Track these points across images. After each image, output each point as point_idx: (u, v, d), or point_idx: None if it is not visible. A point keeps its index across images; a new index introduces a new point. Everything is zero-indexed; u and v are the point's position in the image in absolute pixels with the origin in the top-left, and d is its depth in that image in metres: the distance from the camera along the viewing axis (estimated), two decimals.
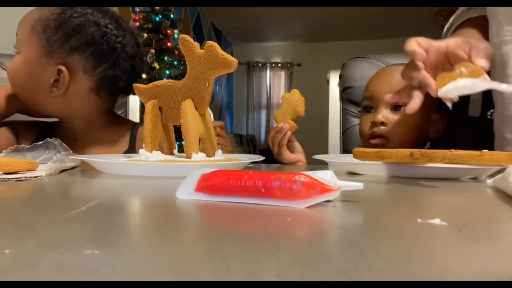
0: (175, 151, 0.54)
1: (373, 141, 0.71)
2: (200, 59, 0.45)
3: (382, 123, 0.69)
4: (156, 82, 0.50)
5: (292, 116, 0.71)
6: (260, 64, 5.04)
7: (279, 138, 0.71)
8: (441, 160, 0.38)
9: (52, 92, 0.64)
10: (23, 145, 0.49)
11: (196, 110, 0.48)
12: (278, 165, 0.71)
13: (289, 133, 0.71)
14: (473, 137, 0.76)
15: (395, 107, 0.69)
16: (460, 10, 0.73)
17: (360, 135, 0.77)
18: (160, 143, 0.53)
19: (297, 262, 0.13)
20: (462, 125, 0.78)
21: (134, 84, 0.53)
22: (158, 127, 0.51)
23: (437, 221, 0.19)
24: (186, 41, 0.45)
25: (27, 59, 0.64)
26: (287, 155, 0.72)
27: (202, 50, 0.45)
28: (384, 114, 0.69)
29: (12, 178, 0.36)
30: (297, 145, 0.74)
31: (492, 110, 0.74)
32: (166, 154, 0.53)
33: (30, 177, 0.38)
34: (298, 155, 0.74)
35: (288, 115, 0.71)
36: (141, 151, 0.48)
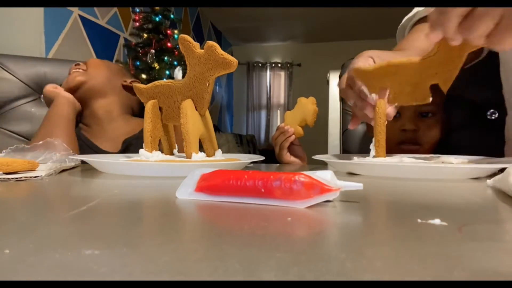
0: (175, 151, 0.54)
1: (406, 147, 0.70)
2: (200, 59, 0.45)
3: (414, 130, 0.69)
4: (156, 82, 0.50)
5: (301, 123, 0.70)
6: (260, 64, 5.03)
7: (281, 139, 0.71)
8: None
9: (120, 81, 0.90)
10: (23, 145, 0.49)
11: (196, 110, 0.48)
12: (278, 165, 0.71)
13: (292, 137, 0.70)
14: (475, 138, 0.76)
15: (421, 113, 0.70)
16: (414, 10, 0.69)
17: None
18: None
19: (297, 262, 0.13)
20: (464, 127, 0.78)
21: (134, 84, 0.53)
22: (158, 127, 0.51)
23: (437, 221, 0.19)
24: (186, 41, 0.45)
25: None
26: (287, 157, 0.72)
27: (202, 50, 0.45)
28: (415, 121, 0.69)
29: (12, 178, 0.36)
30: (299, 150, 0.74)
31: (492, 110, 0.74)
32: (166, 154, 0.53)
33: (30, 177, 0.38)
34: (297, 160, 0.73)
35: (297, 119, 0.70)
36: (141, 151, 0.48)
